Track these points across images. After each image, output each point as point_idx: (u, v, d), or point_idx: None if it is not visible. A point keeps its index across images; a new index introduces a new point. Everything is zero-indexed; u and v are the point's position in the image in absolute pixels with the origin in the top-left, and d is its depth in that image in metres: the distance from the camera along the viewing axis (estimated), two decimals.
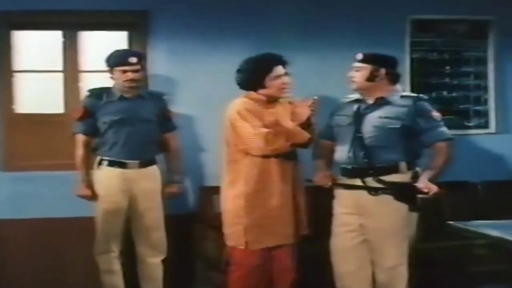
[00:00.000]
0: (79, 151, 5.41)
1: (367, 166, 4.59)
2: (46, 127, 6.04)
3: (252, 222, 4.67)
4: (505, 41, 6.63)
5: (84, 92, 5.74)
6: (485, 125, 6.69)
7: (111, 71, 5.40)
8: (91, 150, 5.44)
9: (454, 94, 6.64)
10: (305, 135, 4.70)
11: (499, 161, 6.61)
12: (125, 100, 5.41)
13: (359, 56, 4.72)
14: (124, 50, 5.78)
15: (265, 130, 4.62)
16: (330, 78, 6.00)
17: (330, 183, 4.78)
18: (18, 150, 5.99)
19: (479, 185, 6.42)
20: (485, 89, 6.70)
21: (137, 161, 5.38)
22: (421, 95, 4.86)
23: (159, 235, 5.49)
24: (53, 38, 6.09)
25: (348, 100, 4.87)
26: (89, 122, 5.40)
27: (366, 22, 6.30)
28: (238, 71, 4.83)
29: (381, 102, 4.66)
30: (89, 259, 5.47)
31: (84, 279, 5.81)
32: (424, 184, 4.46)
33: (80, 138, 5.42)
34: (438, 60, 6.61)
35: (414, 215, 4.62)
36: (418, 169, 4.65)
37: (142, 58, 5.56)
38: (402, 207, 4.55)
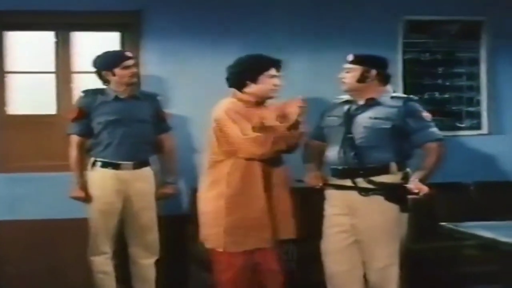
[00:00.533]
0: (73, 152, 5.40)
1: (358, 167, 4.59)
2: (38, 128, 6.04)
3: (232, 224, 4.64)
4: (498, 42, 6.65)
5: (77, 93, 5.73)
6: (478, 126, 6.70)
7: (108, 73, 5.39)
8: (85, 151, 5.44)
9: (446, 95, 6.65)
10: (293, 139, 4.70)
11: (491, 162, 6.62)
12: (120, 100, 5.41)
13: (350, 57, 4.73)
14: (113, 50, 5.76)
15: (254, 134, 4.61)
16: (323, 79, 6.01)
17: (321, 184, 4.79)
18: (10, 151, 5.98)
19: (472, 186, 6.43)
20: (478, 90, 6.71)
21: (131, 162, 5.37)
22: (411, 95, 4.88)
23: (153, 236, 5.49)
24: (46, 39, 6.08)
25: (338, 101, 4.87)
26: (84, 123, 5.39)
27: (358, 22, 6.30)
28: (234, 64, 4.82)
29: (372, 103, 4.67)
30: (82, 260, 5.45)
31: (78, 280, 5.78)
32: (415, 184, 4.47)
33: (74, 139, 5.41)
34: (431, 61, 6.62)
35: (405, 216, 4.62)
36: (408, 169, 4.66)
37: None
38: (393, 207, 4.55)
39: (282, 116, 4.76)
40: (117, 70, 5.36)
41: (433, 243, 5.64)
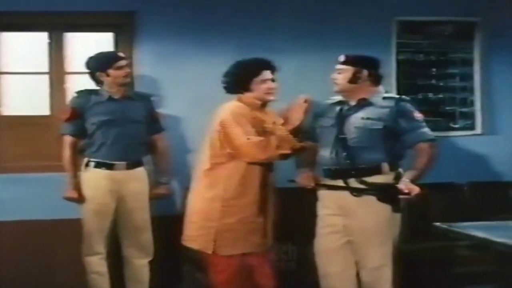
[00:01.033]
0: (66, 153, 5.40)
1: (350, 167, 4.59)
2: (32, 129, 6.03)
3: (225, 228, 4.64)
4: (491, 43, 6.66)
5: (70, 94, 5.72)
6: (471, 127, 6.71)
7: (101, 74, 5.38)
8: (78, 152, 5.43)
9: (440, 96, 6.65)
10: (296, 144, 4.70)
11: (485, 162, 6.63)
12: (114, 101, 5.41)
13: (341, 58, 4.73)
14: (106, 51, 5.75)
15: (258, 138, 4.61)
16: (316, 80, 5.98)
17: (312, 184, 4.78)
18: (4, 152, 5.98)
19: (465, 186, 6.44)
20: (471, 90, 6.72)
21: (124, 163, 5.37)
22: (403, 96, 4.87)
23: (146, 236, 5.49)
24: (39, 40, 6.07)
25: (331, 101, 4.87)
26: (77, 123, 5.39)
27: (352, 23, 6.30)
28: (226, 74, 4.82)
29: (363, 103, 4.67)
30: (76, 261, 5.45)
31: (71, 281, 5.77)
32: (405, 185, 4.47)
33: (68, 139, 5.41)
34: (425, 61, 6.63)
35: (398, 216, 4.62)
36: (401, 170, 4.65)
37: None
38: (386, 208, 4.55)
39: (285, 120, 4.76)
40: (110, 71, 5.36)
41: (427, 243, 5.66)
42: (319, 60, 6.15)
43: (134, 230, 5.45)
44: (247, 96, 4.73)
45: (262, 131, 4.66)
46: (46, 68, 6.06)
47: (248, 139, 4.58)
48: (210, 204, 4.68)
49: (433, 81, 6.64)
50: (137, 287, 5.52)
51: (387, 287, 4.60)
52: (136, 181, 5.44)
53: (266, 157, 4.63)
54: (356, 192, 4.57)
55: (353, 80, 4.66)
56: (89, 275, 5.42)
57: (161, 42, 6.09)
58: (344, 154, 4.61)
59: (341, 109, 4.75)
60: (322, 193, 4.76)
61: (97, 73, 5.40)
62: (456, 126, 6.68)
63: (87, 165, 5.38)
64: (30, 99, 6.11)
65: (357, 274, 4.69)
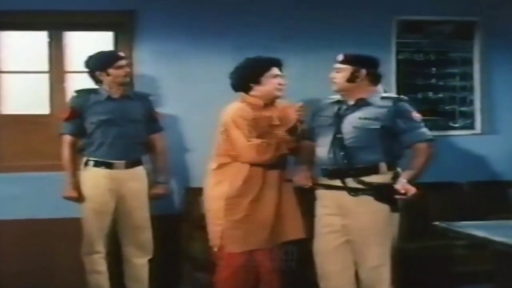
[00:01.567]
0: (66, 152, 5.40)
1: (347, 167, 4.58)
2: (32, 128, 6.03)
3: (230, 225, 4.71)
4: (491, 42, 6.65)
5: (70, 93, 5.72)
6: (471, 126, 6.71)
7: (101, 74, 5.39)
8: (77, 151, 5.43)
9: (440, 95, 6.65)
10: (294, 143, 4.74)
11: (484, 162, 6.63)
12: (113, 100, 5.41)
13: (340, 57, 4.72)
14: (106, 50, 5.75)
15: (257, 141, 4.66)
16: (315, 79, 5.98)
17: (310, 184, 4.78)
18: (3, 151, 5.98)
19: (465, 186, 6.44)
20: (471, 90, 6.71)
21: (123, 161, 5.38)
22: (401, 96, 4.86)
23: (146, 235, 5.49)
24: (39, 39, 6.06)
25: (329, 101, 4.86)
26: (76, 122, 5.39)
27: (352, 22, 6.30)
28: (235, 69, 4.86)
29: (362, 103, 4.66)
30: (75, 260, 5.45)
31: (70, 280, 5.77)
32: (402, 185, 4.47)
33: (67, 138, 5.42)
34: (424, 61, 6.62)
35: (396, 216, 4.61)
36: (399, 169, 4.64)
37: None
38: (383, 207, 4.54)
39: (281, 119, 4.77)
40: (111, 70, 5.36)
41: (427, 243, 5.65)
42: (319, 59, 6.13)
43: (134, 229, 5.45)
44: (255, 91, 4.77)
45: (268, 129, 4.69)
46: (46, 67, 6.05)
47: (248, 141, 4.63)
48: (217, 202, 4.78)
49: (433, 81, 6.64)
50: (136, 286, 5.52)
51: (386, 286, 4.60)
52: (135, 180, 5.44)
53: (266, 159, 4.71)
54: (353, 192, 4.56)
55: (351, 79, 4.65)
56: (88, 274, 5.42)
57: (160, 41, 6.08)
58: (342, 153, 4.60)
59: (339, 109, 4.74)
60: (320, 193, 4.76)
61: (97, 72, 5.41)
62: (456, 125, 6.68)
63: (86, 164, 5.39)
64: (30, 98, 6.10)
65: (356, 274, 4.69)
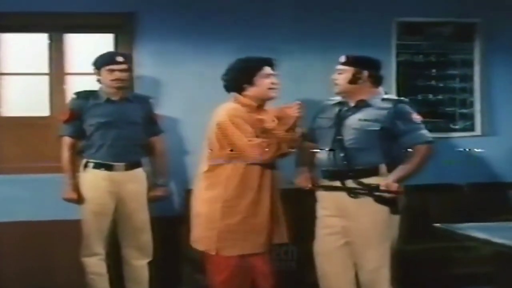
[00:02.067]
0: (65, 154, 5.40)
1: (347, 169, 4.57)
2: (31, 129, 6.03)
3: (227, 229, 4.65)
4: (491, 44, 6.65)
5: (70, 95, 5.72)
6: (471, 128, 6.70)
7: (98, 72, 5.40)
8: (77, 153, 5.43)
9: (440, 97, 6.64)
10: (293, 142, 4.73)
11: (485, 163, 6.63)
12: (112, 103, 5.41)
13: (342, 58, 4.72)
14: (111, 51, 5.82)
15: (258, 139, 4.63)
16: (316, 81, 6.01)
17: (309, 186, 4.77)
18: (3, 153, 5.98)
19: (465, 187, 6.44)
20: (471, 91, 6.71)
21: (123, 164, 5.38)
22: (402, 98, 4.85)
23: (146, 237, 5.48)
24: (39, 41, 6.06)
25: (330, 102, 4.86)
26: (76, 124, 5.39)
27: (352, 24, 6.30)
28: (227, 71, 4.83)
29: (362, 104, 4.66)
30: (75, 262, 5.45)
31: (70, 282, 5.77)
32: (385, 183, 4.46)
33: (67, 140, 5.42)
34: (424, 62, 6.62)
35: (397, 218, 4.60)
36: None
37: (128, 59, 5.56)
38: (383, 209, 4.53)
39: (280, 119, 4.76)
40: (102, 71, 5.36)
41: (427, 244, 5.65)
42: (319, 61, 6.16)
43: (133, 231, 5.45)
44: (248, 92, 4.74)
45: (261, 132, 4.67)
46: (46, 69, 6.05)
47: (249, 140, 4.60)
48: (211, 205, 4.70)
49: (433, 82, 6.64)
50: (136, 287, 5.52)
51: None
52: (135, 182, 5.44)
53: (267, 158, 4.65)
54: (353, 193, 4.56)
55: (353, 80, 4.65)
56: (88, 275, 5.42)
57: (160, 43, 6.09)
58: (342, 155, 4.60)
59: (340, 110, 4.74)
60: (321, 194, 4.76)
61: (95, 71, 5.41)
62: (456, 127, 6.67)
63: (86, 166, 5.39)
64: (30, 100, 6.10)
65: (356, 275, 4.68)
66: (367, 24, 6.33)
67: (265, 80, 4.75)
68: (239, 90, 4.77)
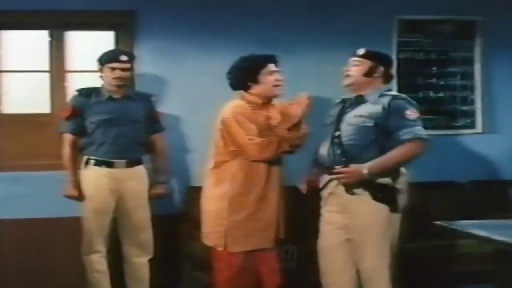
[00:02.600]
0: (66, 151, 5.40)
1: (345, 165, 4.58)
2: (32, 127, 6.03)
3: (234, 225, 4.66)
4: (492, 42, 6.65)
5: (71, 92, 5.73)
6: (472, 125, 6.70)
7: (101, 69, 5.40)
8: (78, 150, 5.43)
9: (441, 94, 6.65)
10: (295, 140, 4.73)
11: (485, 161, 6.63)
12: (114, 100, 5.41)
13: (361, 51, 4.70)
14: (116, 49, 5.84)
15: (259, 138, 4.62)
16: (318, 78, 6.01)
17: (304, 191, 4.81)
18: (4, 151, 5.98)
19: (466, 185, 6.45)
20: (472, 89, 6.71)
21: (124, 161, 5.37)
22: (399, 94, 4.80)
23: (146, 235, 5.48)
24: (40, 38, 6.07)
25: (338, 100, 4.87)
26: (77, 121, 5.39)
27: (353, 22, 6.30)
28: (231, 69, 4.83)
29: (360, 100, 4.67)
30: (76, 260, 5.45)
31: (71, 280, 5.78)
32: (345, 169, 4.47)
33: (68, 137, 5.42)
34: (425, 60, 6.63)
35: (397, 216, 4.57)
36: (401, 169, 4.63)
37: (133, 58, 5.56)
38: (382, 207, 4.50)
39: (285, 116, 4.76)
40: (105, 68, 5.37)
41: (428, 242, 5.66)
42: (320, 59, 6.16)
43: (134, 229, 5.45)
44: (254, 90, 4.75)
45: (266, 129, 4.67)
46: (46, 67, 6.06)
47: (250, 139, 4.61)
48: (219, 202, 4.72)
49: (434, 80, 6.64)
50: (137, 285, 5.52)
51: (384, 286, 4.58)
52: (136, 179, 5.44)
53: (268, 156, 4.66)
54: (350, 190, 4.54)
55: (369, 73, 4.64)
56: (89, 273, 5.42)
57: (161, 41, 6.09)
58: (339, 152, 4.60)
59: (342, 107, 4.75)
60: (324, 192, 4.75)
61: (98, 67, 5.42)
62: (457, 124, 6.67)
63: (87, 163, 5.39)
64: (30, 97, 6.10)
65: (358, 272, 4.68)
66: (368, 21, 6.33)
67: (270, 77, 4.76)
68: (245, 88, 4.78)
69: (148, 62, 6.04)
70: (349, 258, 4.65)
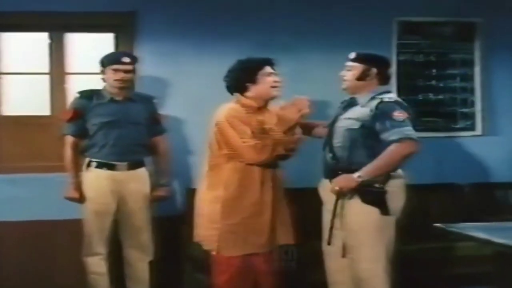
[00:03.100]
0: (68, 153, 5.40)
1: (335, 167, 4.57)
2: (32, 129, 6.03)
3: (227, 229, 4.63)
4: (492, 43, 6.66)
5: (70, 94, 5.73)
6: (472, 127, 6.70)
7: (103, 71, 5.40)
8: (79, 152, 5.43)
9: (440, 96, 6.65)
10: (290, 144, 4.71)
11: (485, 163, 6.63)
12: (115, 102, 5.41)
13: (352, 55, 4.71)
14: (119, 51, 5.85)
15: (253, 141, 4.61)
16: (316, 80, 6.02)
17: None
18: (4, 152, 5.98)
19: (466, 187, 6.44)
20: (472, 91, 6.71)
21: (125, 163, 5.38)
22: (390, 96, 4.66)
23: (147, 237, 5.49)
24: (40, 40, 6.07)
25: (342, 102, 4.87)
26: (79, 123, 5.39)
27: (352, 24, 6.30)
28: (228, 73, 4.82)
29: (352, 103, 4.68)
30: (76, 262, 5.46)
31: (72, 281, 5.77)
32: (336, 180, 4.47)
33: (69, 139, 5.42)
34: (425, 62, 6.63)
35: (390, 219, 4.53)
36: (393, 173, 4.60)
37: (135, 60, 5.56)
38: (372, 210, 4.48)
39: (281, 119, 4.75)
40: (107, 70, 5.37)
41: (427, 244, 5.66)
42: (320, 60, 6.17)
43: (135, 231, 5.45)
44: (251, 91, 4.72)
45: (260, 132, 4.66)
46: (46, 69, 6.06)
47: (244, 141, 4.59)
48: (212, 205, 4.68)
49: (434, 82, 6.64)
50: (138, 287, 5.52)
51: None
52: (137, 181, 5.44)
53: (261, 160, 4.63)
54: (341, 193, 4.53)
55: (362, 77, 4.63)
56: (89, 275, 5.43)
57: (161, 43, 6.09)
58: (330, 154, 4.61)
59: (340, 110, 4.76)
60: (324, 194, 4.74)
61: (100, 69, 5.42)
62: (456, 126, 6.67)
63: (88, 165, 5.39)
64: (30, 99, 6.11)
65: None
66: (368, 23, 6.33)
67: (267, 78, 4.74)
68: (242, 90, 4.77)
69: (148, 64, 6.03)
70: (349, 259, 4.65)
